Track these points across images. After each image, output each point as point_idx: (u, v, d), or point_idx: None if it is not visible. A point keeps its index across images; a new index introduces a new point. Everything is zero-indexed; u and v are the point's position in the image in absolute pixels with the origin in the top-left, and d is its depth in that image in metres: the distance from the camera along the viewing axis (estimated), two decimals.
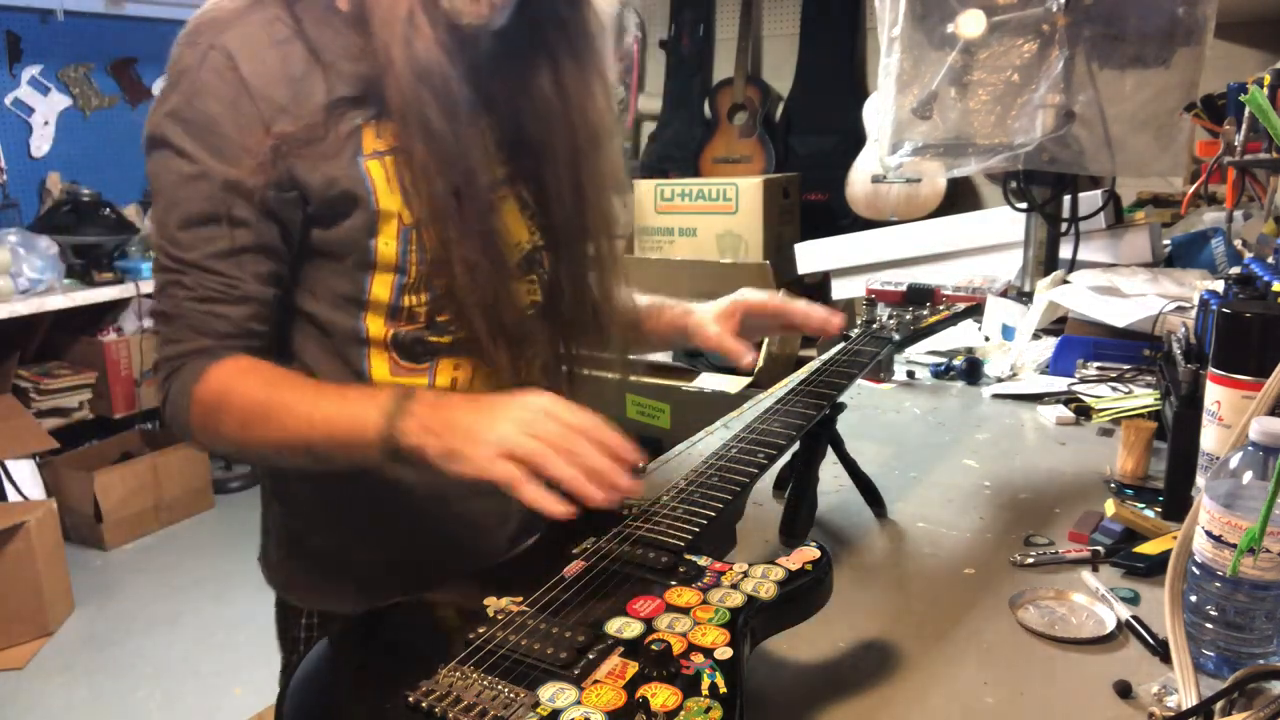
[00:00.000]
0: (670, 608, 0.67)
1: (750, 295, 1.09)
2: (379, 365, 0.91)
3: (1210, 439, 0.93)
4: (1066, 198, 1.91)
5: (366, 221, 0.86)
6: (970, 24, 1.73)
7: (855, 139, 3.37)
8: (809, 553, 0.72)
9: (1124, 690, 0.72)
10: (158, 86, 4.08)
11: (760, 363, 2.83)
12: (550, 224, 0.98)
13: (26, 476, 3.21)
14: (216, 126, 0.81)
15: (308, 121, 0.83)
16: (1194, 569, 0.76)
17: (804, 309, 1.07)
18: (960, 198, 3.29)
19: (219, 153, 0.81)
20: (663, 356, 3.12)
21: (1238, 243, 1.78)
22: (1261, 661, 0.72)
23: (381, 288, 0.89)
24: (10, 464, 3.14)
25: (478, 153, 0.88)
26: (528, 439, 0.73)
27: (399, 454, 0.77)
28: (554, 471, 0.72)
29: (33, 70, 3.64)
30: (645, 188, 3.40)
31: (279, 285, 0.88)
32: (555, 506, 0.72)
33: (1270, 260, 1.27)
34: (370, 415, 0.77)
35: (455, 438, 0.75)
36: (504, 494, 0.74)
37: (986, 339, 1.74)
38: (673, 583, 0.70)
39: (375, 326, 0.90)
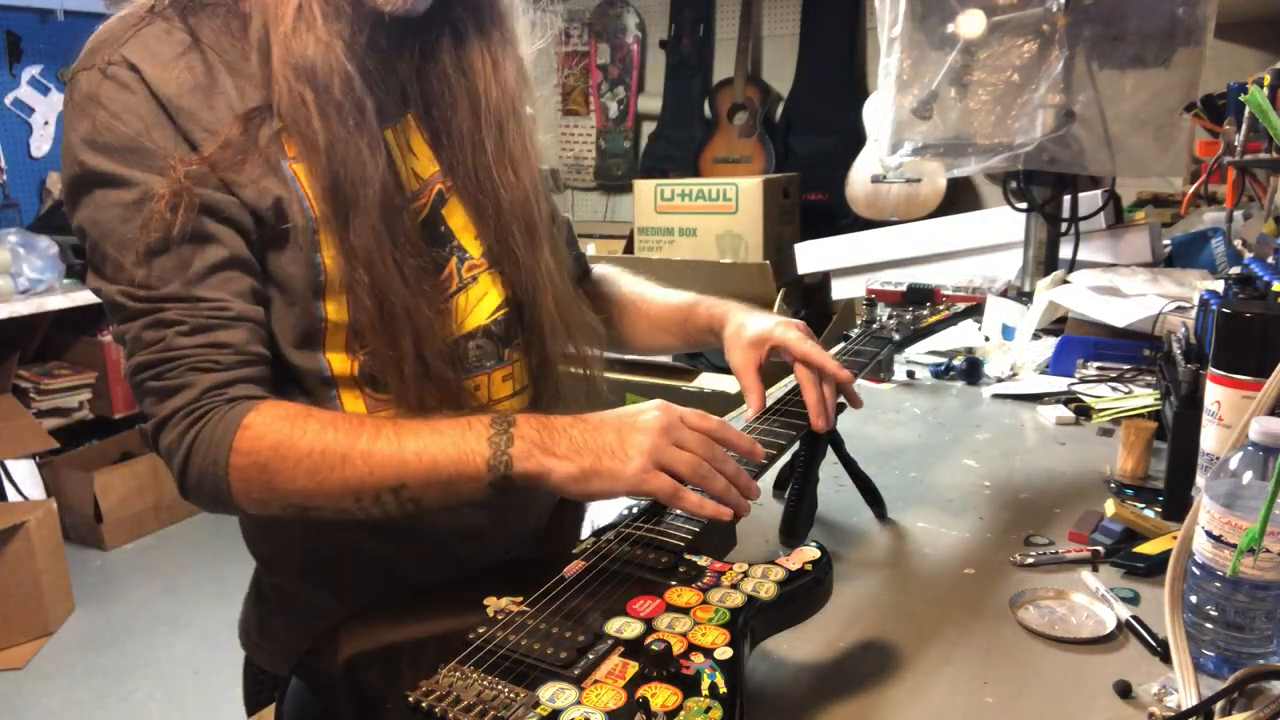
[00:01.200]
0: (670, 608, 0.67)
1: (791, 336, 0.96)
2: (352, 403, 0.84)
3: (1210, 439, 0.93)
4: (1066, 198, 1.91)
5: (308, 232, 0.79)
6: (970, 24, 1.73)
7: (855, 139, 3.37)
8: (809, 553, 0.72)
9: (1124, 690, 0.72)
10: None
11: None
12: (484, 219, 0.91)
13: (26, 476, 3.21)
14: (142, 142, 0.74)
15: (225, 132, 0.76)
16: (1194, 569, 0.76)
17: (834, 370, 0.95)
18: (960, 198, 3.29)
19: (156, 169, 0.74)
20: (663, 356, 3.12)
21: (1238, 243, 1.78)
22: (1261, 661, 0.72)
23: (337, 310, 0.81)
24: (10, 464, 3.14)
25: (380, 158, 0.80)
26: (675, 451, 0.74)
27: (509, 482, 0.73)
28: (709, 484, 0.75)
29: (33, 70, 3.64)
30: (645, 188, 3.40)
31: (263, 305, 0.80)
32: (717, 510, 0.75)
33: (1270, 260, 1.27)
34: (473, 446, 0.72)
35: (593, 457, 0.73)
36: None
37: (986, 339, 1.74)
38: (673, 583, 0.70)
39: (339, 362, 0.83)
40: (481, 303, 0.91)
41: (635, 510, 0.82)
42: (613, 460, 0.73)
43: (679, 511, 0.79)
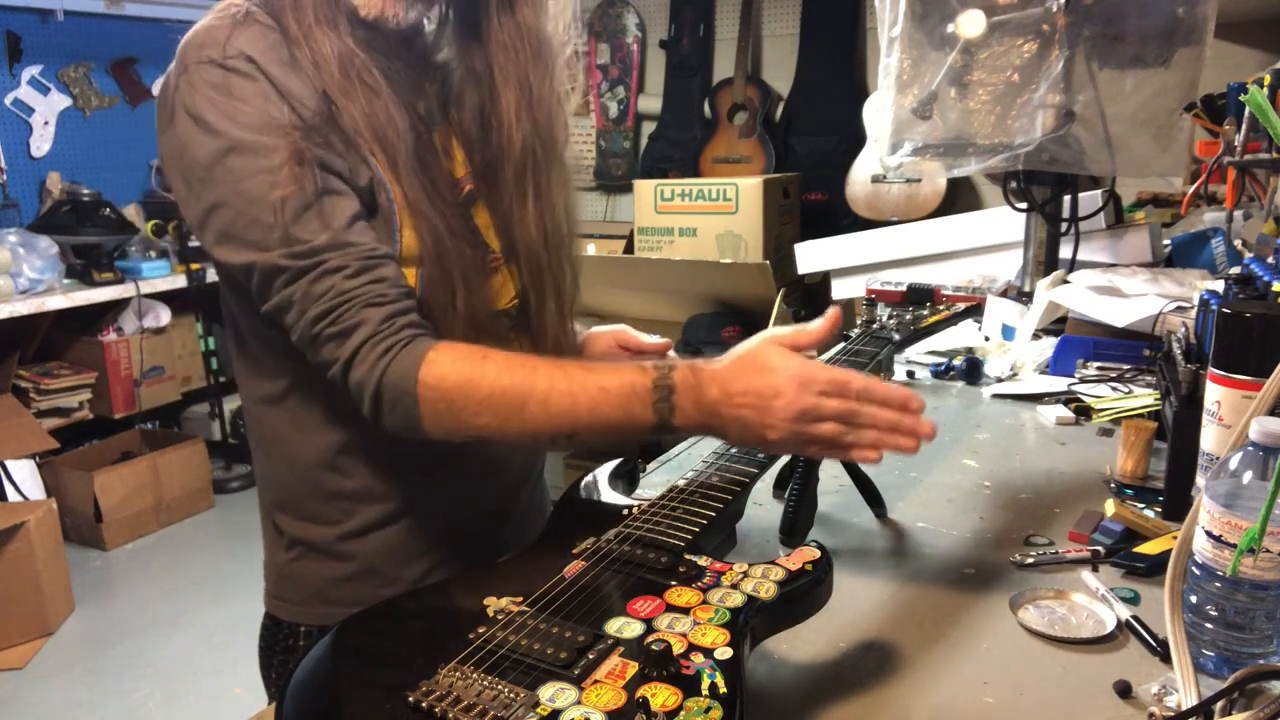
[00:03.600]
0: (670, 608, 0.67)
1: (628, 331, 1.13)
2: None
3: (1210, 439, 0.93)
4: (1066, 198, 1.91)
5: (389, 208, 0.85)
6: (970, 24, 1.73)
7: (855, 139, 3.37)
8: (809, 553, 0.72)
9: (1124, 690, 0.72)
10: (157, 87, 4.09)
11: None
12: (504, 222, 0.97)
13: (26, 476, 3.21)
14: (269, 117, 0.80)
15: (323, 116, 0.83)
16: (1194, 569, 0.76)
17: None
18: (960, 198, 3.29)
19: (283, 134, 0.80)
20: None
21: (1238, 243, 1.78)
22: (1261, 661, 0.72)
23: (410, 277, 0.87)
24: (10, 464, 3.14)
25: (397, 113, 0.87)
26: (814, 426, 0.76)
27: (672, 430, 0.79)
28: (862, 445, 0.77)
29: (33, 70, 3.64)
30: (645, 188, 3.40)
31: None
32: (864, 455, 0.77)
33: (1270, 260, 1.27)
34: (640, 412, 0.78)
35: (727, 430, 0.78)
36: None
37: (986, 339, 1.74)
38: (673, 583, 0.70)
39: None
40: (501, 290, 0.97)
41: (635, 510, 0.82)
42: (747, 435, 0.77)
43: (679, 511, 0.79)
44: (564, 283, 1.02)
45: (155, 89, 4.06)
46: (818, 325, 0.86)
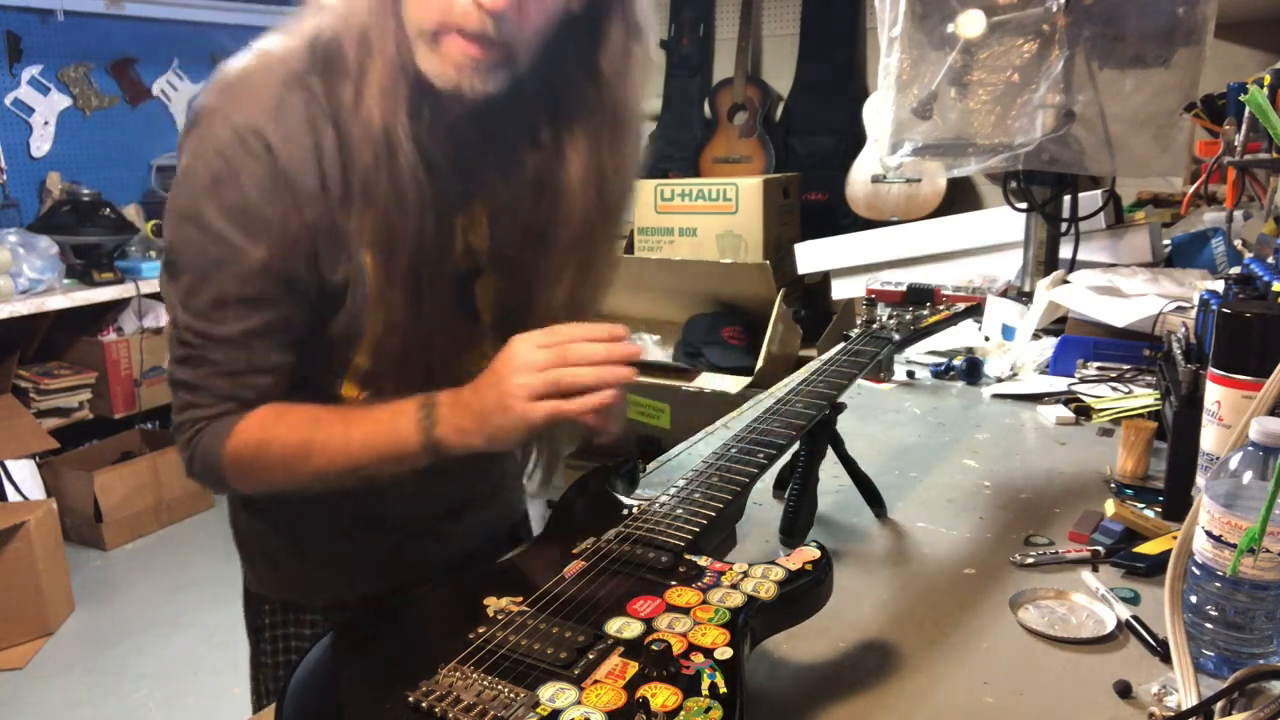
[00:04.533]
0: (670, 608, 0.67)
1: None
2: (348, 387, 0.93)
3: (1210, 439, 0.93)
4: (1066, 198, 1.91)
5: (358, 304, 0.87)
6: (970, 24, 1.73)
7: (855, 139, 3.37)
8: (809, 553, 0.72)
9: (1124, 690, 0.72)
10: (158, 88, 4.08)
11: (760, 362, 2.83)
12: (514, 312, 0.96)
13: (26, 476, 3.21)
14: (252, 210, 0.80)
15: (331, 210, 0.83)
16: (1194, 569, 0.76)
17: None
18: (960, 198, 3.29)
19: (253, 236, 0.81)
20: (663, 356, 3.12)
21: (1238, 243, 1.78)
22: (1261, 661, 0.72)
23: (364, 357, 0.90)
24: (10, 464, 3.14)
25: (437, 228, 0.86)
26: (539, 375, 0.78)
27: (442, 454, 0.82)
28: (578, 382, 0.78)
29: (33, 70, 3.64)
30: (645, 188, 3.40)
31: (299, 350, 0.89)
32: (600, 400, 0.78)
33: (1270, 260, 1.27)
34: (406, 433, 0.82)
35: (489, 424, 0.80)
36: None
37: (986, 339, 1.74)
38: (673, 583, 0.70)
39: (349, 389, 0.92)
40: (480, 360, 0.94)
41: (635, 510, 0.82)
42: (503, 420, 0.79)
43: (679, 511, 0.79)
44: None
45: (155, 89, 4.07)
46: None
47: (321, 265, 0.84)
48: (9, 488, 3.11)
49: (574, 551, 0.76)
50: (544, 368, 0.78)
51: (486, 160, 0.92)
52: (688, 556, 0.73)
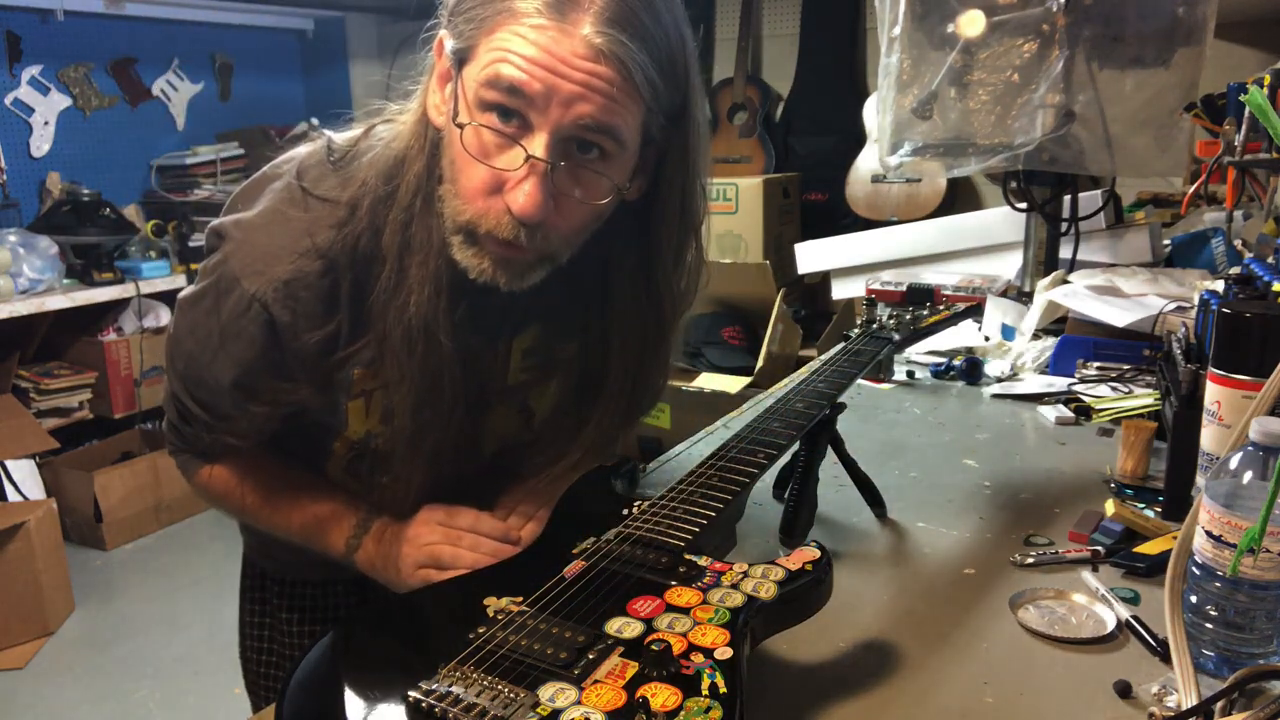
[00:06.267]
0: (670, 608, 0.67)
1: None
2: (334, 466, 0.98)
3: (1210, 439, 0.94)
4: (1066, 198, 1.91)
5: (334, 425, 0.93)
6: (970, 24, 1.73)
7: (855, 139, 3.37)
8: (809, 553, 0.72)
9: (1124, 690, 0.72)
10: (158, 88, 4.08)
11: (760, 362, 2.83)
12: (525, 438, 1.00)
13: (26, 476, 3.21)
14: (245, 366, 0.86)
15: (320, 376, 0.86)
16: (1194, 569, 0.76)
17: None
18: (960, 198, 3.29)
19: (241, 386, 0.87)
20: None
21: (1238, 243, 1.78)
22: (1261, 661, 0.72)
23: (342, 445, 0.95)
24: (10, 464, 3.14)
25: (457, 399, 0.87)
26: (424, 549, 0.88)
27: (353, 564, 0.93)
28: (458, 566, 0.85)
29: (33, 70, 3.64)
30: None
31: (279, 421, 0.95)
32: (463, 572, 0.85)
33: (1270, 260, 1.27)
34: (334, 542, 0.93)
35: (384, 573, 0.91)
36: None
37: (986, 339, 1.74)
38: (673, 583, 0.70)
39: (341, 446, 0.95)
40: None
41: (635, 510, 0.82)
42: (392, 574, 0.90)
43: (679, 511, 0.79)
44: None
45: (155, 89, 4.07)
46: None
47: (302, 395, 0.89)
48: (9, 488, 3.11)
49: (574, 551, 0.76)
50: (432, 543, 0.87)
51: (525, 319, 0.93)
52: (688, 556, 0.73)
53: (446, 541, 0.88)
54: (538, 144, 0.74)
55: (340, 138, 0.88)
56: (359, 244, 0.83)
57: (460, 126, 0.76)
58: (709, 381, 2.88)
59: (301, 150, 0.89)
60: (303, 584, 1.13)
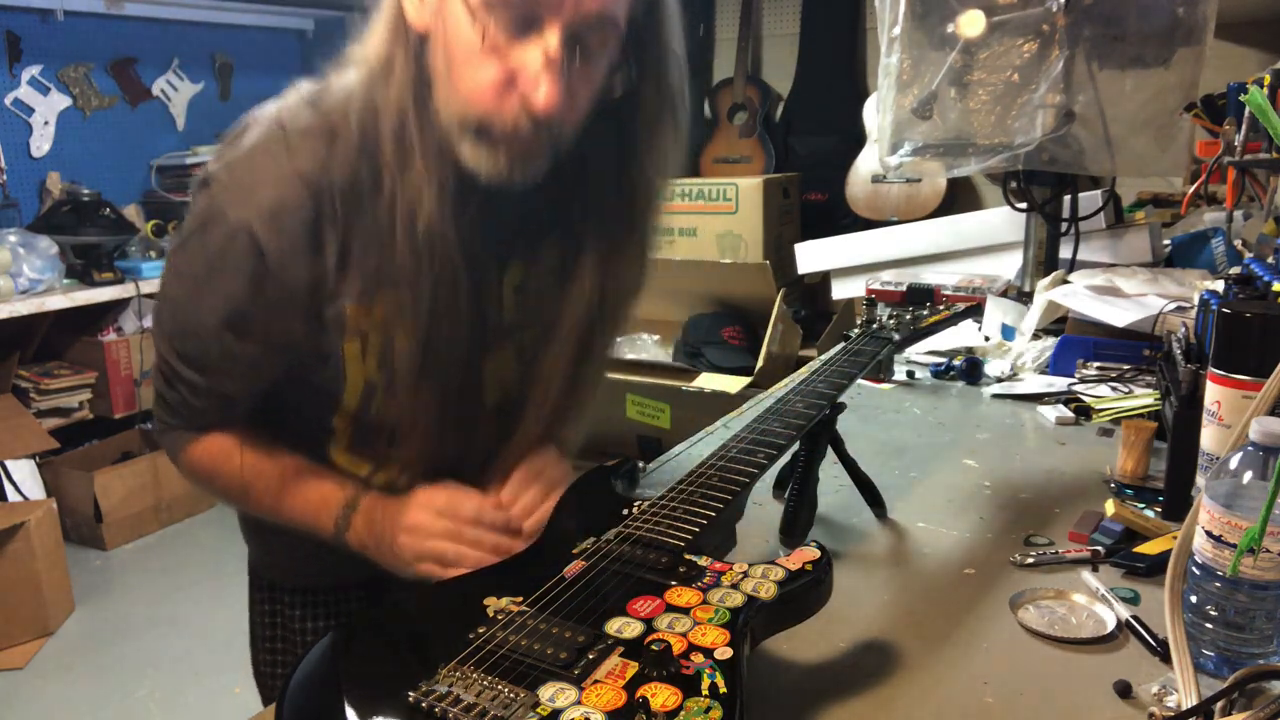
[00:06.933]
0: (670, 608, 0.67)
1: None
2: (337, 450, 0.97)
3: (1210, 439, 0.93)
4: (1066, 198, 1.91)
5: (333, 383, 0.91)
6: (970, 24, 1.73)
7: (855, 139, 3.37)
8: (809, 553, 0.72)
9: (1124, 690, 0.72)
10: (158, 88, 4.08)
11: (760, 362, 2.83)
12: (524, 377, 0.98)
13: (26, 476, 3.21)
14: (238, 305, 0.84)
15: (312, 310, 0.85)
16: (1194, 569, 0.76)
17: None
18: (960, 198, 3.29)
19: (237, 332, 0.85)
20: (663, 356, 3.12)
21: (1238, 243, 1.78)
22: (1261, 661, 0.72)
23: (342, 421, 0.95)
24: (10, 464, 3.14)
25: (468, 322, 0.87)
26: (427, 543, 0.87)
27: (346, 545, 0.91)
28: (462, 566, 0.85)
29: (33, 70, 3.64)
30: None
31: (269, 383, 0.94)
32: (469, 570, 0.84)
33: (1270, 260, 1.27)
34: (324, 524, 0.91)
35: (379, 554, 0.89)
36: None
37: (986, 339, 1.74)
38: (673, 583, 0.70)
39: (341, 422, 0.95)
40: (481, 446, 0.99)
41: (635, 510, 0.82)
42: (389, 558, 0.89)
43: (679, 511, 0.79)
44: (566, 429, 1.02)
45: (155, 89, 4.07)
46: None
47: (305, 354, 0.89)
48: (9, 488, 3.11)
49: (574, 551, 0.76)
50: (434, 537, 0.86)
51: (516, 243, 0.93)
52: (688, 556, 0.73)
53: (448, 537, 0.86)
54: (551, 38, 0.74)
55: (314, 83, 0.87)
56: (347, 167, 0.81)
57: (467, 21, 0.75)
58: (709, 381, 2.88)
59: (276, 102, 0.88)
60: (314, 590, 1.11)
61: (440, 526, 0.87)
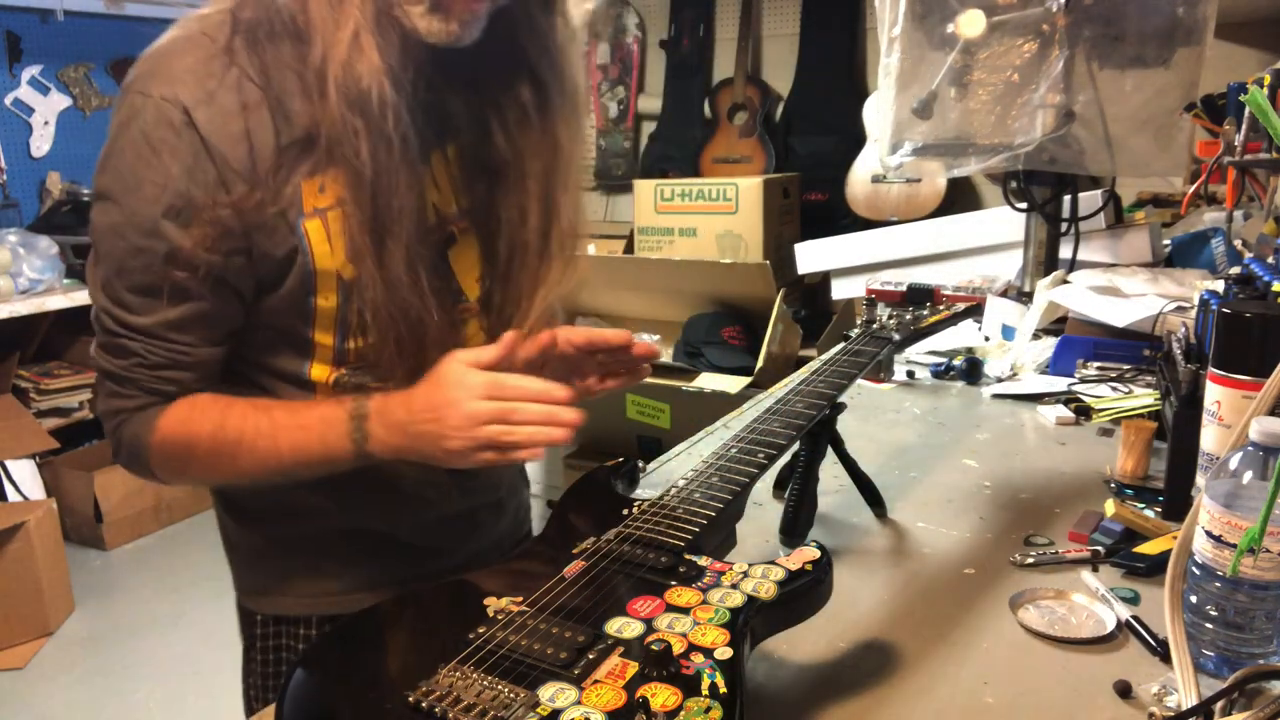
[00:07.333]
0: (670, 608, 0.67)
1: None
2: (320, 370, 0.90)
3: (1210, 439, 0.93)
4: (1066, 198, 1.91)
5: (304, 281, 0.83)
6: (970, 24, 1.73)
7: (855, 139, 3.36)
8: (809, 553, 0.72)
9: (1124, 690, 0.72)
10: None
11: (760, 362, 2.83)
12: (495, 264, 0.94)
13: (26, 476, 3.21)
14: (176, 190, 0.77)
15: (259, 187, 0.79)
16: (1194, 569, 0.76)
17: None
18: (960, 198, 3.29)
19: (177, 221, 0.77)
20: (663, 356, 3.12)
21: (1238, 243, 1.78)
22: (1261, 661, 0.72)
23: (324, 335, 0.87)
24: (10, 464, 3.14)
25: (417, 191, 0.83)
26: (480, 429, 0.79)
27: (372, 458, 0.83)
28: (520, 443, 0.79)
29: (33, 70, 3.64)
30: (645, 188, 3.40)
31: (231, 342, 0.87)
32: (530, 454, 0.80)
33: (1270, 260, 1.27)
34: (336, 445, 0.82)
35: (421, 451, 0.81)
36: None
37: (986, 339, 1.74)
38: (673, 583, 0.70)
39: (319, 372, 0.88)
40: (470, 343, 0.93)
41: (635, 510, 0.82)
42: (435, 452, 0.80)
43: (679, 511, 0.79)
44: (544, 316, 0.97)
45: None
46: (495, 347, 0.85)
47: (259, 244, 0.80)
48: (9, 488, 3.11)
49: (574, 551, 0.76)
50: (486, 421, 0.79)
51: (453, 109, 0.89)
52: (688, 556, 0.73)
53: (501, 419, 0.79)
54: None
55: None
56: (271, 33, 0.79)
57: None
58: (709, 381, 2.88)
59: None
60: (304, 620, 1.01)
61: (487, 409, 0.79)
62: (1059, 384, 1.47)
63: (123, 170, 0.78)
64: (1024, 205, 1.94)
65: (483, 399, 0.79)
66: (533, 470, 3.04)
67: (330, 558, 0.98)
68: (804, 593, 0.70)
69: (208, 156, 0.77)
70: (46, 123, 3.71)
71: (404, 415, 0.81)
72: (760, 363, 2.80)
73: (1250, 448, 0.74)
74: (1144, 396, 1.35)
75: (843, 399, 1.00)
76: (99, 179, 0.81)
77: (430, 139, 0.87)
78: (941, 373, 1.60)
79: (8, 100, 3.58)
